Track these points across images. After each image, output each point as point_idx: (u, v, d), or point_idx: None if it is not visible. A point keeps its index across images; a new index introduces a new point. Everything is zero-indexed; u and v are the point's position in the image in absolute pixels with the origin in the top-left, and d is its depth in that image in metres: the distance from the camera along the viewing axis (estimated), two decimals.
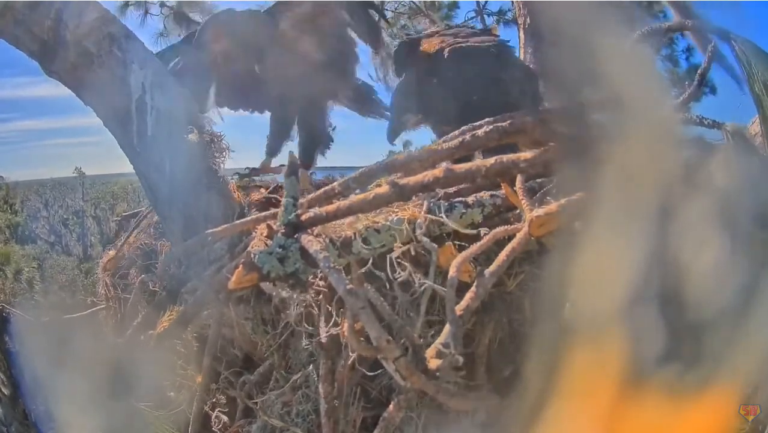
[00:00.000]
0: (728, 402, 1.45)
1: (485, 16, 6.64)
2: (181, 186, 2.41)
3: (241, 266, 1.61)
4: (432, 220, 1.84)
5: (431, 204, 1.88)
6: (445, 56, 2.76)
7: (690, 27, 2.89)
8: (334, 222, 1.80)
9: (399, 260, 1.83)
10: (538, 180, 1.97)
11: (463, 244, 1.83)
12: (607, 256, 1.45)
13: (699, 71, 2.27)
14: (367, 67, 3.28)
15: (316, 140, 3.20)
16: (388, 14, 6.27)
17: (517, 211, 1.89)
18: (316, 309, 1.98)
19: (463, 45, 2.80)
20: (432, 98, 2.71)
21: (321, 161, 3.51)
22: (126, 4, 5.85)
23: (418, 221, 1.85)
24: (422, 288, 1.81)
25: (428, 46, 2.90)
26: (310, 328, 1.99)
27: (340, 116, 3.31)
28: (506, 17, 6.42)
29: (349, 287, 1.48)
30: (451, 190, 1.95)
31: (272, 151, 3.25)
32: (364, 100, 3.38)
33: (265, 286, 1.99)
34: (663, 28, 2.63)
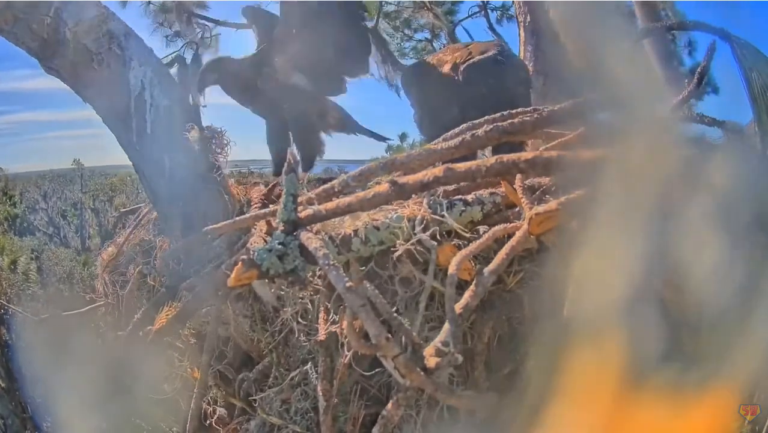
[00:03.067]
0: (728, 402, 1.46)
1: (489, 11, 6.60)
2: (180, 183, 2.41)
3: (240, 262, 1.60)
4: (432, 218, 1.84)
5: (431, 202, 1.88)
6: (462, 74, 2.76)
7: (690, 26, 2.88)
8: (333, 219, 1.80)
9: (399, 258, 1.83)
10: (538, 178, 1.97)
11: (462, 242, 1.83)
12: (606, 254, 1.45)
13: (698, 70, 2.27)
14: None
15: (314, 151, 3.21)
16: (392, 8, 6.26)
17: (517, 209, 1.89)
18: (314, 307, 1.98)
19: (475, 60, 2.79)
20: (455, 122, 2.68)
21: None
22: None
23: (418, 218, 1.84)
24: (422, 287, 1.82)
25: (439, 65, 2.89)
26: (306, 323, 2.00)
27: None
28: (509, 13, 6.38)
29: (348, 284, 1.48)
30: (451, 188, 1.94)
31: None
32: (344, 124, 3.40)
33: (261, 290, 1.99)
34: (663, 27, 2.63)
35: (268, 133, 3.23)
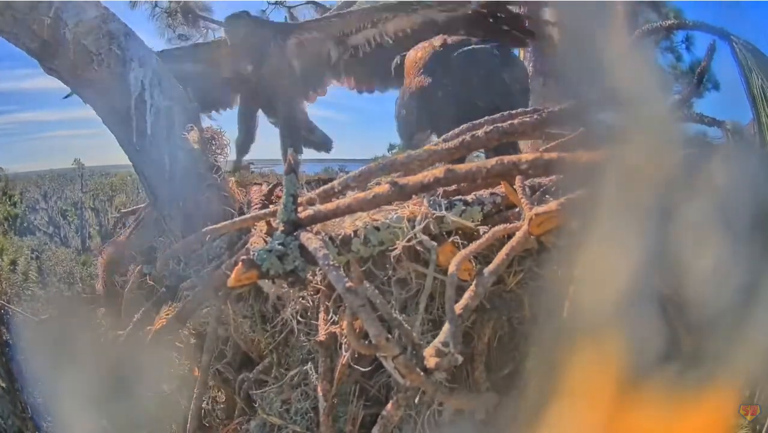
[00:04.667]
0: (728, 402, 1.46)
1: None
2: (180, 184, 2.41)
3: (240, 263, 1.60)
4: (432, 217, 1.83)
5: (431, 202, 1.87)
6: (451, 60, 2.74)
7: (691, 26, 2.88)
8: (333, 220, 1.80)
9: (397, 258, 1.83)
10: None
11: (462, 242, 1.83)
12: (606, 254, 1.45)
13: (698, 70, 2.27)
14: None
15: (298, 130, 3.25)
16: None
17: (517, 209, 1.89)
18: (315, 307, 1.98)
19: (467, 47, 2.77)
20: (439, 106, 2.67)
21: (321, 154, 3.52)
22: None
23: (418, 218, 1.84)
24: (421, 287, 1.82)
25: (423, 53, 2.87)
26: (304, 320, 2.00)
27: (340, 109, 3.33)
28: None
29: (348, 284, 1.48)
30: (451, 188, 1.94)
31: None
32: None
33: (266, 286, 1.99)
34: (663, 27, 2.62)
35: (241, 107, 3.28)
